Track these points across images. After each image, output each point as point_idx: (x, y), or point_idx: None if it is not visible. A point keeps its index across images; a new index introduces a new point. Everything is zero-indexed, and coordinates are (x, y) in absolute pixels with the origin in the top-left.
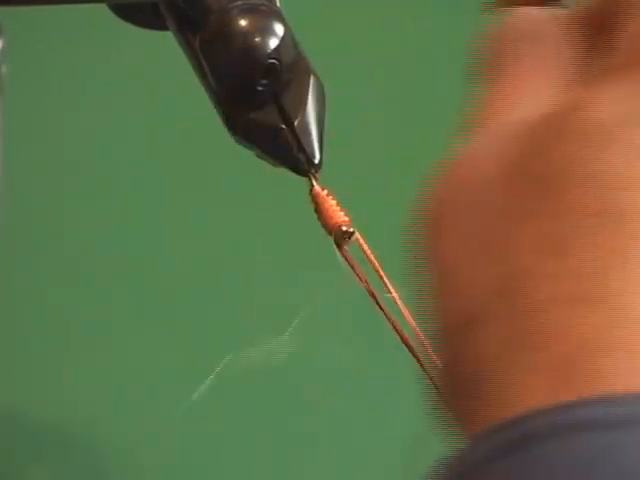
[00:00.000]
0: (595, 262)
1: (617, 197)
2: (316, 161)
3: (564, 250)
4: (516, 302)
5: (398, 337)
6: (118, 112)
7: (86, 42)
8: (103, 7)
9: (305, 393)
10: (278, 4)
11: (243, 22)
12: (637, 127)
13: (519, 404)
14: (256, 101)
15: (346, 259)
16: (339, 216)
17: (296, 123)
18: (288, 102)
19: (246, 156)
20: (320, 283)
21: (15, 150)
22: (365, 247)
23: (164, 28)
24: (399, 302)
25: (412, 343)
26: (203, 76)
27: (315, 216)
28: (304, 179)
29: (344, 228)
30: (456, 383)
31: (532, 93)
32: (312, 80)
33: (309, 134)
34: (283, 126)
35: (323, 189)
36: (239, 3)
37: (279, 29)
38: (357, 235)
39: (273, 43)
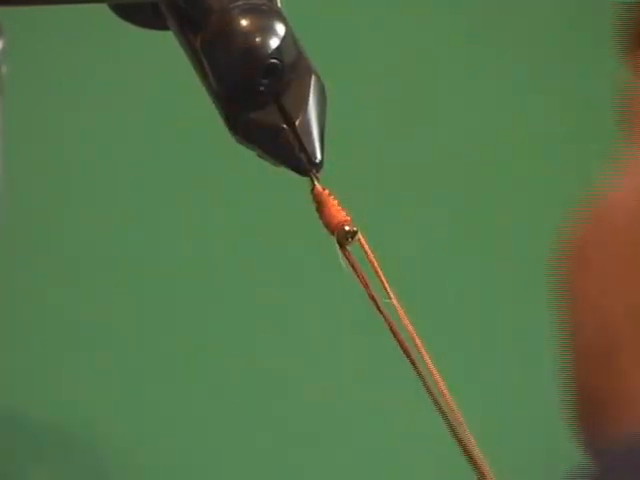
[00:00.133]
0: None
1: None
2: (317, 161)
3: None
4: None
5: (395, 339)
6: (118, 112)
7: (86, 42)
8: (103, 7)
9: (305, 393)
10: (279, 4)
11: (244, 22)
12: None
13: None
14: (257, 101)
15: (348, 260)
16: (341, 215)
17: (297, 123)
18: (289, 102)
19: (247, 156)
20: (320, 283)
21: (15, 150)
22: (366, 247)
23: (164, 28)
24: (397, 305)
25: (408, 345)
26: (204, 76)
27: (316, 215)
28: (305, 179)
29: (347, 228)
30: (591, 401)
31: None
32: (313, 80)
33: (310, 134)
34: (284, 126)
35: (324, 189)
36: (240, 3)
37: (280, 29)
38: (359, 235)
39: (274, 43)
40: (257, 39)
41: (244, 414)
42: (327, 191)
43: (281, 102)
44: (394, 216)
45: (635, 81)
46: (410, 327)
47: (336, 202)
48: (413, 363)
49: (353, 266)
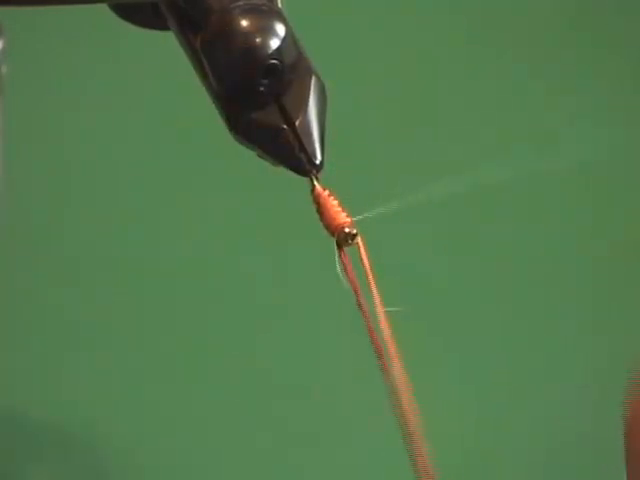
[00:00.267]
0: None
1: None
2: (317, 161)
3: None
4: None
5: (373, 347)
6: (118, 112)
7: (86, 42)
8: (103, 7)
9: (305, 393)
10: (279, 4)
11: (244, 22)
12: None
13: None
14: (257, 101)
15: (343, 264)
16: (342, 217)
17: (297, 123)
18: (289, 102)
19: (247, 156)
20: (320, 283)
21: (15, 150)
22: (362, 251)
23: (164, 28)
24: (382, 315)
25: (384, 355)
26: (204, 76)
27: (316, 217)
28: (305, 179)
29: (347, 229)
30: None
31: None
32: (313, 80)
33: (310, 134)
34: (284, 126)
35: (325, 189)
36: (240, 3)
37: (280, 29)
38: (358, 239)
39: (274, 43)
40: (257, 39)
41: (244, 414)
42: (327, 192)
43: (281, 102)
44: (394, 216)
45: None
46: (388, 335)
47: (336, 203)
48: (385, 370)
49: (346, 270)
